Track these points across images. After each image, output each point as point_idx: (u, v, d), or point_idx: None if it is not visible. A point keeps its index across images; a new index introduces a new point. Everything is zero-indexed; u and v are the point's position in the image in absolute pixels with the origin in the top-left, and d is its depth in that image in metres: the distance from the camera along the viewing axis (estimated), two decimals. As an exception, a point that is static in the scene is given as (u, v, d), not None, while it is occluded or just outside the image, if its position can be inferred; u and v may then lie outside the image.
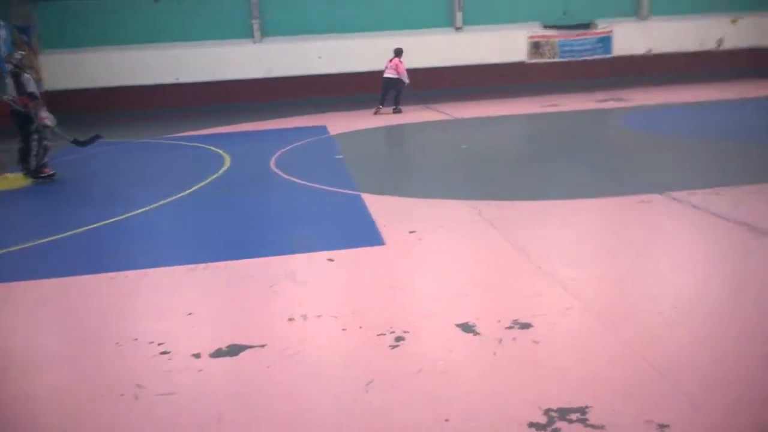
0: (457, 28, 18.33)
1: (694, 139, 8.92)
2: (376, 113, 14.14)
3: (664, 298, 3.48)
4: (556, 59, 18.73)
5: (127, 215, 6.09)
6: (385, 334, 3.21)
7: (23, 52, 9.23)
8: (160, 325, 3.50)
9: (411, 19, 17.85)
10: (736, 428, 2.34)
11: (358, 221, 5.48)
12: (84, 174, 8.95)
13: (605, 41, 18.79)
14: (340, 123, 13.01)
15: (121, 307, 3.88)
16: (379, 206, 5.86)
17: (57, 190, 7.79)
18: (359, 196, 6.30)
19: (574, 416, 2.40)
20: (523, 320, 3.27)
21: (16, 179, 8.25)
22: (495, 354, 2.95)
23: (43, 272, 4.56)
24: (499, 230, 4.89)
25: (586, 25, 18.79)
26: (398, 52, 14.29)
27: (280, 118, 14.59)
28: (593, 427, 2.33)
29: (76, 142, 8.61)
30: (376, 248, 4.70)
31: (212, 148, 10.37)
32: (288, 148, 9.95)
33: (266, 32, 17.66)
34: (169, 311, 3.73)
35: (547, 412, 2.44)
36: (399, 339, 3.16)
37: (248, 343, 3.19)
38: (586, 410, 2.43)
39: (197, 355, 3.09)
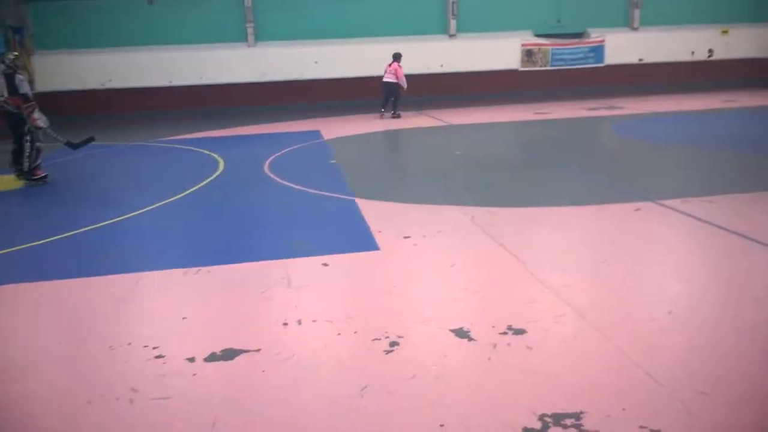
0: (451, 36, 18.43)
1: (687, 148, 9.01)
2: (381, 117, 14.34)
3: (658, 305, 3.51)
4: (548, 67, 18.86)
5: (120, 218, 6.07)
6: (379, 339, 3.22)
7: (16, 53, 9.18)
8: (154, 329, 3.49)
9: (405, 25, 17.93)
10: (728, 435, 2.36)
11: (352, 226, 5.48)
12: (77, 176, 8.90)
13: (597, 50, 18.95)
14: (333, 128, 13.03)
15: (115, 310, 3.85)
16: (373, 211, 5.87)
17: (50, 192, 7.75)
18: (353, 201, 6.31)
19: (568, 421, 2.42)
20: (517, 326, 3.28)
21: (8, 181, 8.19)
22: (489, 359, 2.97)
23: (35, 275, 4.53)
24: (492, 236, 4.91)
25: (579, 35, 18.95)
26: (397, 57, 14.44)
27: (273, 122, 14.60)
28: (588, 432, 2.35)
29: (69, 144, 8.56)
30: (370, 253, 4.71)
31: (206, 151, 10.36)
32: (282, 152, 9.95)
33: (260, 36, 17.68)
34: (163, 315, 3.72)
35: (541, 417, 2.45)
36: (393, 344, 3.16)
37: (243, 348, 3.18)
38: (581, 416, 2.45)
39: (192, 360, 3.08)
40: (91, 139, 8.85)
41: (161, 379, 2.91)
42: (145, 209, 6.40)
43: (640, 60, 19.09)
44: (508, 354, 3.01)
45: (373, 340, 3.22)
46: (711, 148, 8.86)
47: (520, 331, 3.22)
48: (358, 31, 17.80)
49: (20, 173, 8.06)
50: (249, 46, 17.63)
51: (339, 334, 3.33)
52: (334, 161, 8.96)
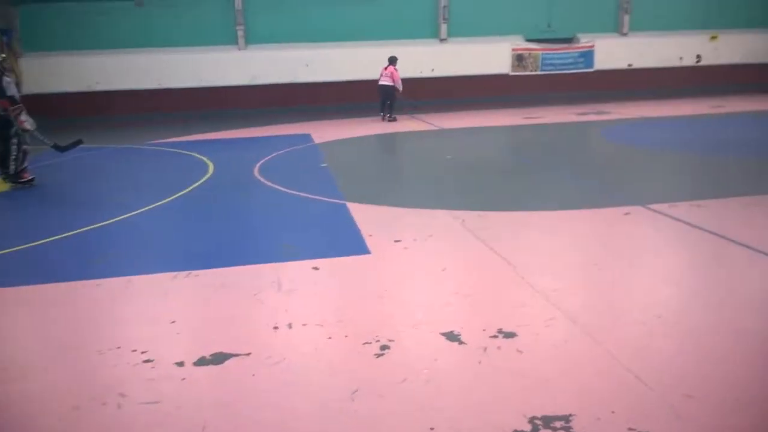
0: (442, 40, 18.49)
1: (675, 153, 9.08)
2: (383, 120, 14.46)
3: (647, 308, 3.53)
4: (539, 72, 18.98)
5: (108, 222, 6.02)
6: (370, 343, 3.21)
7: (3, 55, 9.12)
8: (143, 333, 3.46)
9: (396, 29, 17.95)
10: (717, 437, 2.37)
11: (343, 230, 5.47)
12: (64, 179, 8.83)
13: (587, 55, 19.10)
14: (324, 131, 13.02)
15: (103, 314, 3.82)
16: (363, 215, 5.86)
17: (36, 196, 7.68)
18: (344, 205, 6.30)
19: (558, 424, 2.42)
20: (508, 330, 3.29)
21: (-6, 184, 8.12)
22: (480, 363, 2.97)
23: (21, 279, 4.48)
24: (483, 240, 4.92)
25: (569, 40, 19.08)
26: (393, 60, 14.53)
27: (264, 125, 14.56)
28: (578, 436, 2.35)
29: (57, 147, 8.48)
30: (361, 257, 4.70)
31: (195, 154, 10.31)
32: (272, 155, 9.92)
33: (251, 39, 17.65)
34: (152, 319, 3.69)
35: (531, 420, 2.46)
36: (384, 348, 3.16)
37: (233, 352, 3.17)
38: (570, 419, 2.46)
39: (181, 364, 3.06)
40: (79, 142, 8.77)
41: (150, 383, 2.89)
42: (134, 213, 6.36)
43: (630, 65, 19.26)
44: (499, 357, 3.01)
45: (364, 343, 3.21)
46: (700, 153, 8.94)
47: (510, 335, 3.23)
48: (348, 35, 17.83)
49: (6, 176, 7.98)
50: (239, 49, 17.59)
51: (329, 337, 3.32)
52: (324, 165, 8.95)
